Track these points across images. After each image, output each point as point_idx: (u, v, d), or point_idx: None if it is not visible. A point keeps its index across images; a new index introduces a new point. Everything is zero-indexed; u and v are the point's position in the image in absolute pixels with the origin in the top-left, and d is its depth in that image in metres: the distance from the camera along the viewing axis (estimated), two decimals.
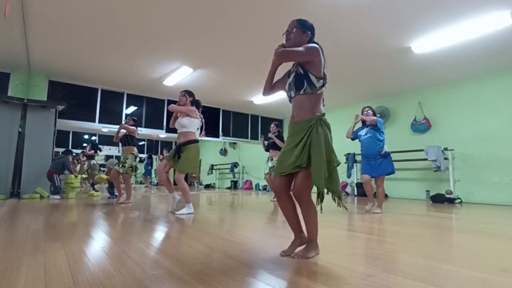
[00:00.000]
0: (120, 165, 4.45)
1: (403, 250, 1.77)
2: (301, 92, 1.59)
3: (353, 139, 4.09)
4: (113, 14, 3.85)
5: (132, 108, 7.40)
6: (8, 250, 1.63)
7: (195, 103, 3.60)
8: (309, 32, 1.67)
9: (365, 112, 3.90)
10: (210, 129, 8.26)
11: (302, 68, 1.60)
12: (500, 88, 5.36)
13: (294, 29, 1.66)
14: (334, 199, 1.57)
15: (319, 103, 1.62)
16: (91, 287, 1.11)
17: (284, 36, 1.69)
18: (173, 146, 13.28)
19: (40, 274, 1.23)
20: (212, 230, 2.38)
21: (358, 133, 4.00)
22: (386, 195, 6.65)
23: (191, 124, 3.47)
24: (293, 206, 1.64)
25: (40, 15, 3.90)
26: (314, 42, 1.68)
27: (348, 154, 7.32)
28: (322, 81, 1.60)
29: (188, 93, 3.59)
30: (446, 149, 5.83)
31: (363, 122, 3.94)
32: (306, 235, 1.62)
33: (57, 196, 5.14)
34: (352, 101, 7.58)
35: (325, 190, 1.51)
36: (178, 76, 6.04)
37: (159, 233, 2.25)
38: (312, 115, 1.57)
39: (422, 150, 6.04)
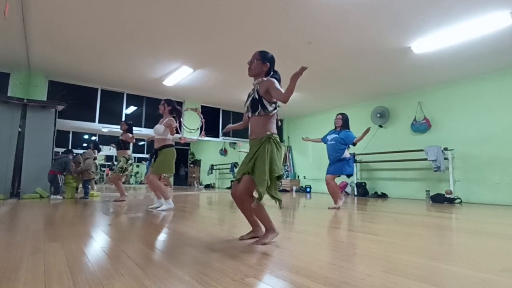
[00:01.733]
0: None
1: (402, 250, 1.77)
2: (256, 114, 1.90)
3: (325, 142, 4.36)
4: (113, 14, 3.85)
5: (132, 108, 7.40)
6: (7, 250, 1.63)
7: (174, 111, 3.76)
8: (268, 63, 1.96)
9: (337, 118, 4.25)
10: (210, 129, 8.27)
11: (257, 94, 1.89)
12: (500, 88, 5.36)
13: (255, 61, 1.96)
14: (275, 202, 1.84)
15: (271, 123, 1.90)
16: (90, 287, 1.11)
17: (248, 65, 1.99)
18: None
19: (39, 274, 1.23)
20: (212, 230, 2.38)
21: (327, 137, 4.31)
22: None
23: (166, 133, 3.67)
24: (248, 206, 1.89)
25: (40, 15, 3.89)
26: (273, 71, 1.99)
27: None
28: (274, 105, 1.90)
29: (168, 102, 3.78)
30: (446, 149, 5.83)
31: (335, 126, 4.28)
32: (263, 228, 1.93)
33: (59, 197, 5.14)
34: (352, 101, 7.58)
35: (264, 194, 1.77)
36: (178, 76, 6.04)
37: (159, 233, 2.25)
38: (264, 133, 1.86)
39: (422, 150, 6.04)
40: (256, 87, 1.93)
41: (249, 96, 2.00)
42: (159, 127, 3.65)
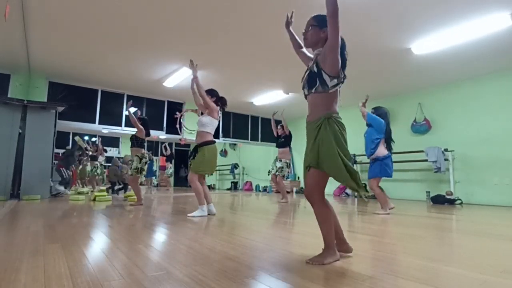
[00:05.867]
0: (129, 168, 4.53)
1: (403, 251, 1.76)
2: (313, 90, 1.54)
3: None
4: (114, 16, 3.85)
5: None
6: (7, 251, 1.63)
7: (220, 101, 3.41)
8: (326, 28, 1.57)
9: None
10: None
11: (316, 66, 1.54)
12: (500, 89, 5.36)
13: (310, 28, 1.62)
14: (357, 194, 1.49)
15: (332, 103, 1.54)
16: None
17: (302, 36, 1.65)
18: (174, 147, 13.13)
19: (39, 276, 1.23)
20: (212, 231, 2.38)
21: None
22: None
23: (211, 123, 3.32)
24: (318, 210, 1.53)
25: (41, 16, 3.90)
26: None
27: None
28: (335, 80, 1.51)
29: (210, 92, 3.35)
30: (446, 150, 5.83)
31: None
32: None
33: (62, 188, 5.29)
34: (352, 102, 7.53)
35: (356, 185, 1.40)
36: (178, 77, 6.04)
37: (159, 235, 2.25)
38: (322, 115, 1.50)
39: (422, 151, 6.04)
40: (316, 58, 1.58)
41: (307, 69, 1.63)
42: (204, 117, 3.29)
